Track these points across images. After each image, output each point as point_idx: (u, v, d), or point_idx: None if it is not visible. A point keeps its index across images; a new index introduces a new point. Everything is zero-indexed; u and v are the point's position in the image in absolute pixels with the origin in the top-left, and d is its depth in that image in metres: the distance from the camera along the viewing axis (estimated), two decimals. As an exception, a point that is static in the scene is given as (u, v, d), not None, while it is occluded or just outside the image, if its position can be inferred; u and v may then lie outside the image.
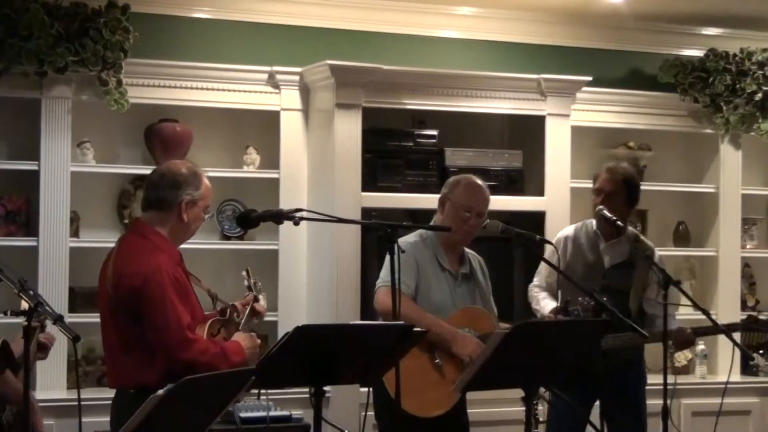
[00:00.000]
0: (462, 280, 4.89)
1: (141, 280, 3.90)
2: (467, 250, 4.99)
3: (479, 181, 4.96)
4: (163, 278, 3.89)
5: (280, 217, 4.26)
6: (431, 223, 4.93)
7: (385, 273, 4.74)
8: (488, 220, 4.86)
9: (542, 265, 5.23)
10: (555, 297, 5.13)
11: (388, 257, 4.59)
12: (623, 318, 4.52)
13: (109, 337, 4.03)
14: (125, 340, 3.95)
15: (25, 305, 3.67)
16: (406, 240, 4.67)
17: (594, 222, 5.26)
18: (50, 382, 5.65)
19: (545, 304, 5.20)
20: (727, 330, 4.91)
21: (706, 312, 4.90)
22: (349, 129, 6.02)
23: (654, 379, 5.87)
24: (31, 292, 3.60)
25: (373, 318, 4.94)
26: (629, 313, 5.03)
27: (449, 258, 4.88)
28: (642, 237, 5.38)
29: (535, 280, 5.36)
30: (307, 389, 3.84)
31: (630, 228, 5.34)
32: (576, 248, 5.24)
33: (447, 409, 4.65)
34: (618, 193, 5.19)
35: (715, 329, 5.00)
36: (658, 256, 5.29)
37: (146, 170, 5.15)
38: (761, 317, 5.32)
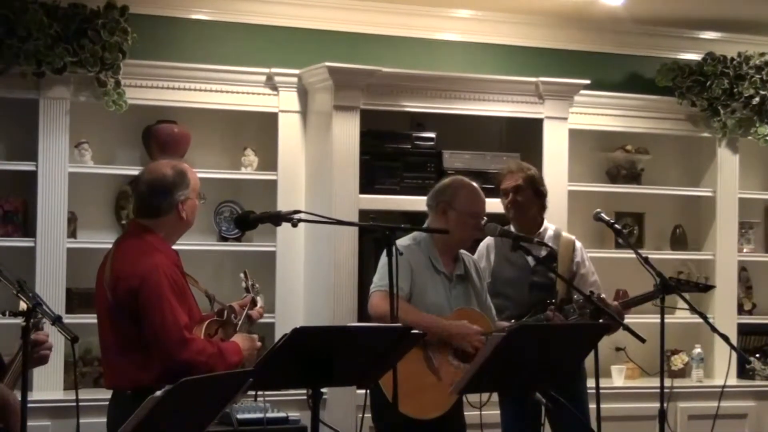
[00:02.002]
0: (457, 282, 4.87)
1: (138, 280, 3.89)
2: (461, 250, 4.98)
3: (474, 183, 4.96)
4: (160, 278, 3.89)
5: (278, 218, 4.26)
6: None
7: (378, 278, 4.74)
8: (486, 223, 4.87)
9: None
10: None
11: (381, 261, 4.62)
12: (622, 322, 4.54)
13: (106, 338, 4.03)
14: (122, 341, 3.95)
15: (23, 306, 3.66)
16: (399, 243, 4.65)
17: (510, 226, 5.26)
18: (47, 383, 5.64)
19: None
20: (646, 299, 5.02)
21: (703, 315, 4.90)
22: (347, 131, 6.02)
23: (651, 383, 5.89)
24: (30, 294, 3.60)
25: (369, 321, 4.93)
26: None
27: (444, 260, 4.86)
28: (564, 233, 5.42)
29: None
30: (304, 391, 3.84)
31: (548, 224, 5.38)
32: (498, 253, 5.25)
33: (444, 410, 4.64)
34: (524, 188, 5.26)
35: (639, 299, 5.11)
36: (580, 246, 5.36)
37: (144, 171, 5.14)
38: (681, 278, 5.37)
